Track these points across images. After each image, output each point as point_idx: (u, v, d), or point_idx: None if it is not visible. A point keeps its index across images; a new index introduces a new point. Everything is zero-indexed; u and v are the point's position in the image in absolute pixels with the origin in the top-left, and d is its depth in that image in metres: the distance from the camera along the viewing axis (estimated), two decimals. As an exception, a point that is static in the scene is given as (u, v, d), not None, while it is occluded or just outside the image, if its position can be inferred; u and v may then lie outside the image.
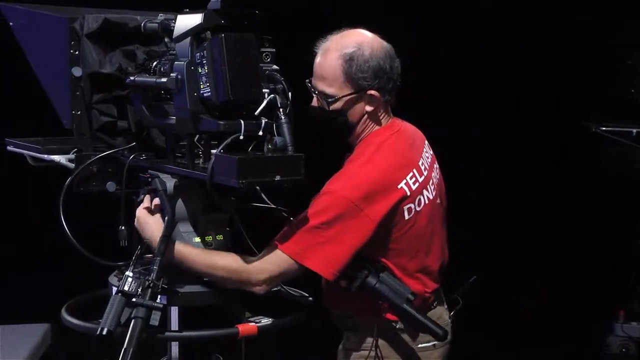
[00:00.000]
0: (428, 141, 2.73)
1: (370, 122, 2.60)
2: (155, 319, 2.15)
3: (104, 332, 2.11)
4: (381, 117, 2.62)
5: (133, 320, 2.13)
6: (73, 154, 2.61)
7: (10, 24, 2.72)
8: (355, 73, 2.52)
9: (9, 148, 2.83)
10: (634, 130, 4.94)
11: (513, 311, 6.01)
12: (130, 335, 2.10)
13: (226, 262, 2.44)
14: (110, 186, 2.61)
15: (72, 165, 2.60)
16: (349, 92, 2.54)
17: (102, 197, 2.60)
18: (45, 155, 2.64)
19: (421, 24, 6.81)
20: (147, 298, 2.16)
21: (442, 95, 6.98)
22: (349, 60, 2.51)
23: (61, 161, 2.62)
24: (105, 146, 2.62)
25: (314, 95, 2.59)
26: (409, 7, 6.78)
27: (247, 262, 2.42)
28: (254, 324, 2.43)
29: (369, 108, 2.57)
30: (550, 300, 6.30)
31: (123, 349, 2.08)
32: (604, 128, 5.00)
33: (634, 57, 5.19)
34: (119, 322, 2.15)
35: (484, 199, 7.08)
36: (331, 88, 2.54)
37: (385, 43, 2.58)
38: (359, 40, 2.54)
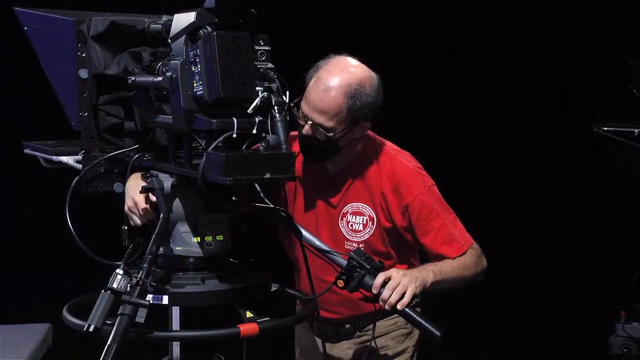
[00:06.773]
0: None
1: (356, 144, 2.76)
2: (141, 316, 2.14)
3: (91, 329, 2.10)
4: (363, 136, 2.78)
5: (118, 317, 2.11)
6: (81, 155, 2.62)
7: (25, 28, 2.75)
8: (358, 110, 2.65)
9: (26, 151, 2.85)
10: (636, 131, 4.93)
11: (514, 310, 6.00)
12: (114, 332, 2.09)
13: (464, 259, 2.72)
14: (118, 187, 2.61)
15: (80, 167, 2.61)
16: (346, 125, 2.66)
17: (108, 197, 2.61)
18: (54, 157, 2.65)
19: (419, 22, 6.66)
20: (134, 295, 2.15)
21: (443, 95, 6.86)
22: (353, 98, 2.63)
23: (69, 162, 2.63)
24: (113, 147, 2.63)
25: (305, 123, 2.67)
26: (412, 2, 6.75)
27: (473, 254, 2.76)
28: (255, 324, 2.40)
29: (358, 135, 2.73)
30: (552, 300, 6.27)
31: (107, 346, 2.07)
32: (605, 128, 4.99)
33: (636, 57, 5.15)
34: (106, 319, 2.14)
35: (485, 198, 7.04)
36: (330, 122, 2.65)
37: (374, 74, 2.71)
38: (361, 77, 2.66)
